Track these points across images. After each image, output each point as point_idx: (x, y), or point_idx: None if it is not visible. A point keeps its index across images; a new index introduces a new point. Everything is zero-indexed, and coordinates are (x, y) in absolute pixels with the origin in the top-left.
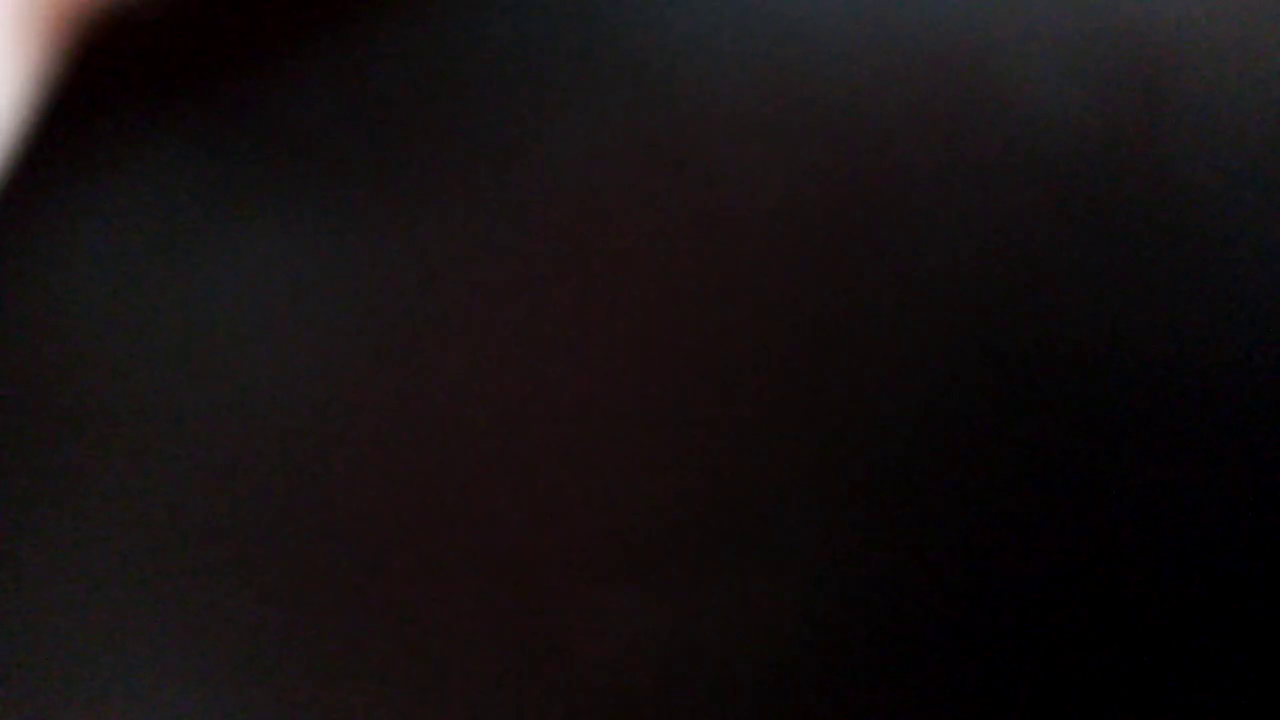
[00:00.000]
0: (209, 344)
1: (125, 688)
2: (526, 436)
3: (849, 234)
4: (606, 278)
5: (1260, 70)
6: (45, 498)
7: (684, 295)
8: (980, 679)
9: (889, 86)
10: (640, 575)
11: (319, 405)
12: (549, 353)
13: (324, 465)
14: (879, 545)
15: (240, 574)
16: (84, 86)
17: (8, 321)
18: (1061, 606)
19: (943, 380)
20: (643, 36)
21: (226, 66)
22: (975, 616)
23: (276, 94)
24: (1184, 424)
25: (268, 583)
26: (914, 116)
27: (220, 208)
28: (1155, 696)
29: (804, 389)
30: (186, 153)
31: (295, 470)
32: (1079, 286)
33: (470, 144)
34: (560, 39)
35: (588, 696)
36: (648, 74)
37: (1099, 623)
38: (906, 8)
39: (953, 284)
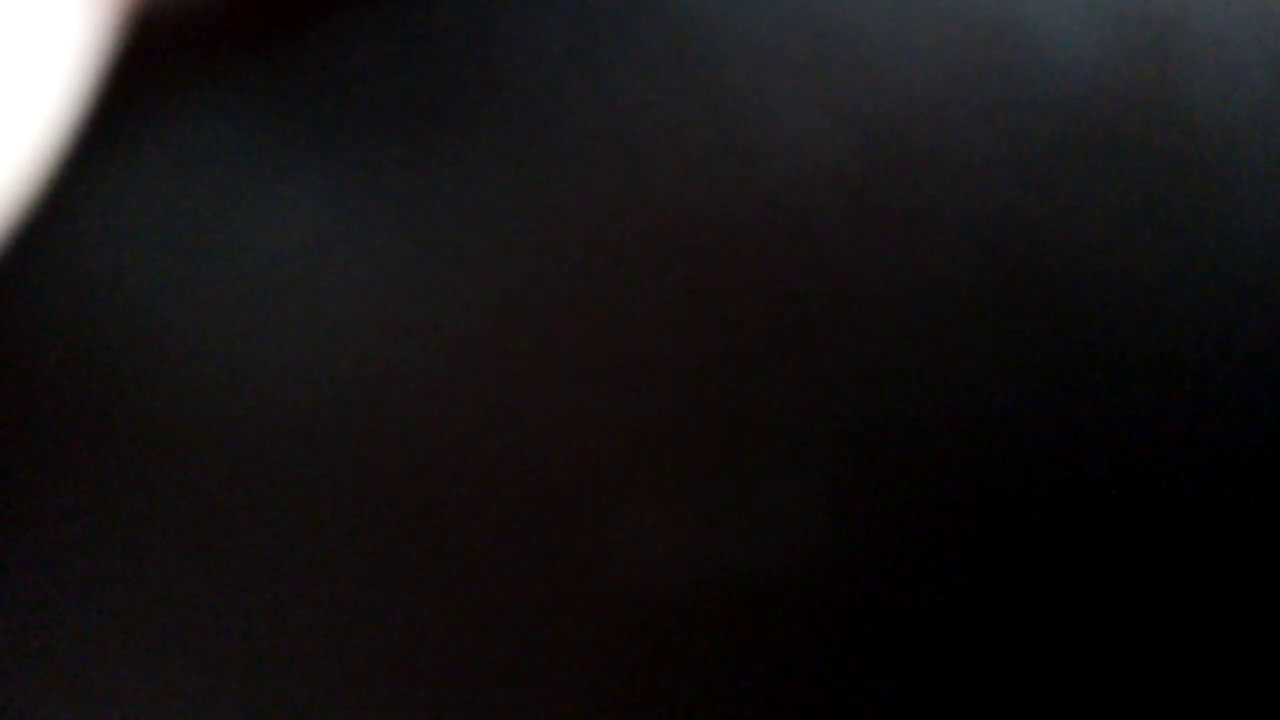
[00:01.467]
0: (252, 301)
1: (136, 682)
2: (553, 358)
3: (876, 169)
4: (642, 217)
5: (1271, 13)
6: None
7: (716, 226)
8: (1006, 592)
9: (916, 30)
10: (664, 488)
11: (353, 354)
12: (581, 285)
13: (359, 406)
14: (905, 458)
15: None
16: (138, 50)
17: (56, 285)
18: (1081, 519)
19: (963, 305)
20: None
21: (276, 24)
22: (1002, 532)
23: (325, 49)
24: (1192, 352)
25: (306, 510)
26: (939, 58)
27: (270, 163)
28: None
29: (830, 310)
30: (236, 110)
31: (332, 409)
32: (1094, 219)
33: (512, 95)
34: None
35: (613, 609)
36: (688, 22)
37: (1121, 535)
38: None
39: (974, 217)
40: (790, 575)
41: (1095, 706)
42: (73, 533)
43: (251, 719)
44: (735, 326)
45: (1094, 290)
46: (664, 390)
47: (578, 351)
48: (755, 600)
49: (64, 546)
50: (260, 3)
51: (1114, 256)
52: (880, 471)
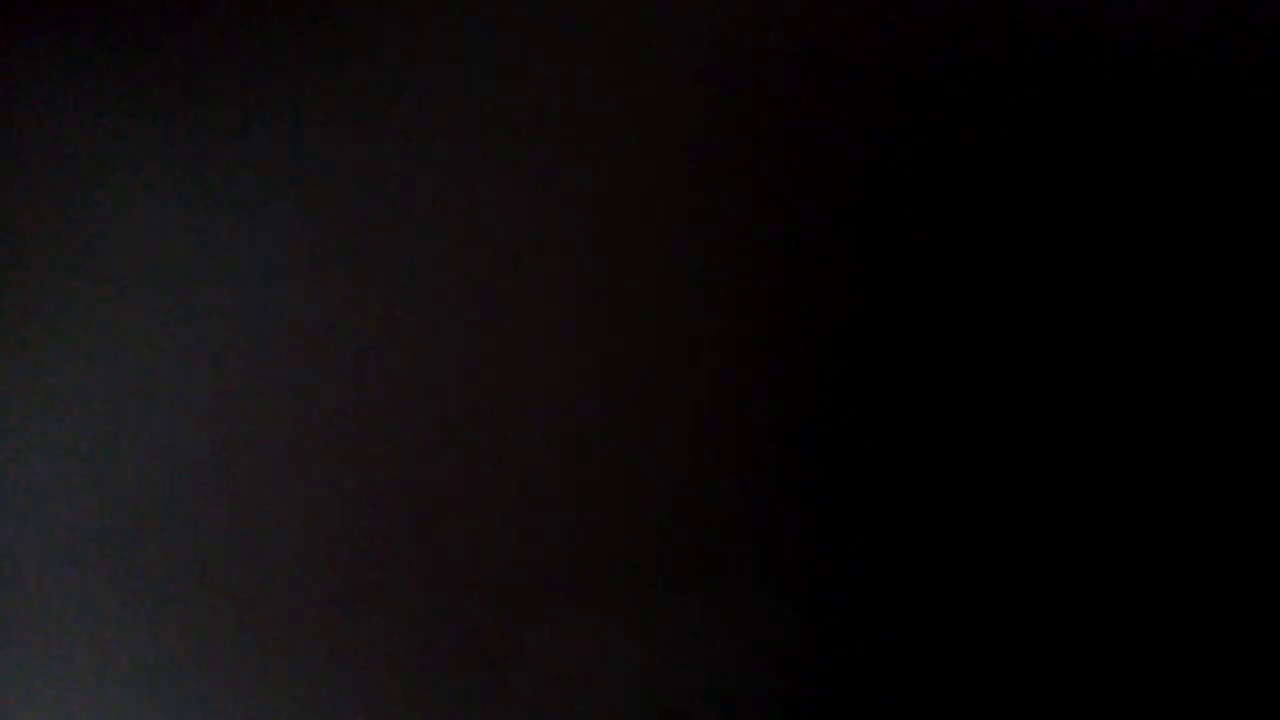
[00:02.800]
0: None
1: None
2: (501, 452)
3: None
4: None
5: None
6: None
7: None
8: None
9: None
10: (604, 600)
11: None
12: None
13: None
14: (843, 580)
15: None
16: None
17: None
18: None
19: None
20: None
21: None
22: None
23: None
24: None
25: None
26: None
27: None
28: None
29: (780, 414)
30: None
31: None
32: None
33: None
34: None
35: (549, 715)
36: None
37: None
38: None
39: None
40: (719, 686)
41: None
42: None
43: None
44: (673, 427)
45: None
46: (611, 497)
47: (521, 449)
48: (683, 709)
49: None
50: None
51: None
52: (810, 592)
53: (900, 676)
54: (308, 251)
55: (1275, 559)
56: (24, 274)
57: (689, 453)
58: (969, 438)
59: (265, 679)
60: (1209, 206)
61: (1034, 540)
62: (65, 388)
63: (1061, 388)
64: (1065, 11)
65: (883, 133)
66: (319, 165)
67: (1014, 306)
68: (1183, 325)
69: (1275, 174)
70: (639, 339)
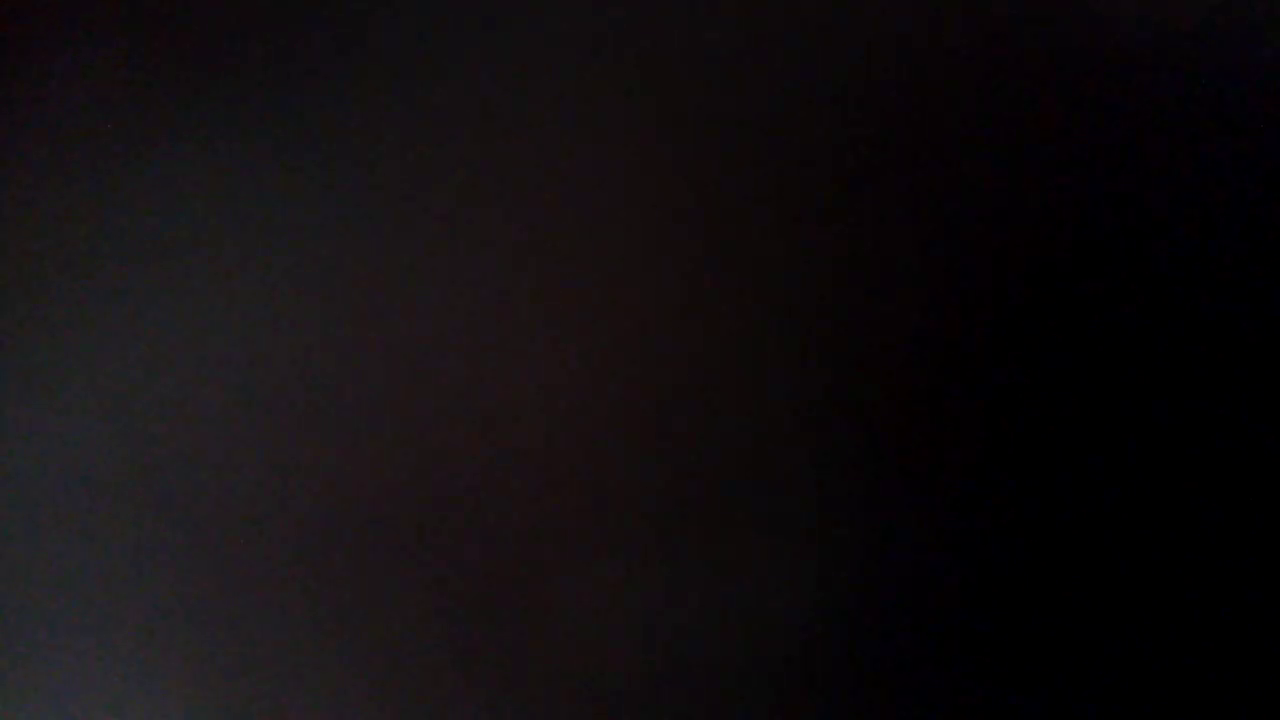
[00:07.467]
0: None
1: (108, 687)
2: (517, 419)
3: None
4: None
5: None
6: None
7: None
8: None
9: None
10: (625, 552)
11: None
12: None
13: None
14: (856, 530)
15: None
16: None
17: None
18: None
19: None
20: None
21: None
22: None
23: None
24: None
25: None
26: None
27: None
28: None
29: (787, 379)
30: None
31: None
32: None
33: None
34: None
35: (572, 667)
36: None
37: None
38: None
39: None
40: (739, 639)
41: None
42: None
43: None
44: (692, 390)
45: None
46: (627, 453)
47: (537, 416)
48: (703, 661)
49: None
50: None
51: None
52: (828, 545)
53: (912, 620)
54: (330, 225)
55: (1275, 559)
56: (36, 254)
57: (702, 404)
58: (976, 390)
59: (287, 633)
60: (1209, 206)
61: (1043, 494)
62: (79, 366)
63: (1063, 345)
64: (1065, 11)
65: (883, 126)
66: (337, 146)
67: (1015, 276)
68: (1183, 322)
69: (1275, 174)
70: (652, 295)
